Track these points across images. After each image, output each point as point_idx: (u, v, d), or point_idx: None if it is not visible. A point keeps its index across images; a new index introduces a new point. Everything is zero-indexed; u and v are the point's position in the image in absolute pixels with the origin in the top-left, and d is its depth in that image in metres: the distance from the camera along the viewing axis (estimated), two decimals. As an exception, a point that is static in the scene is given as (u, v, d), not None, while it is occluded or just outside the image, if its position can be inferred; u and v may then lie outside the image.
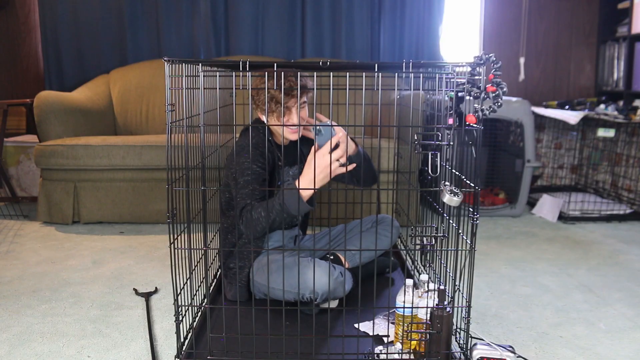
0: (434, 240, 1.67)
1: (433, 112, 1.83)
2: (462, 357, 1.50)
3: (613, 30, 3.95)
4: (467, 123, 1.42)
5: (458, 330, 1.58)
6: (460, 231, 1.53)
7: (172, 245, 1.46)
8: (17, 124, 3.99)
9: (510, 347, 1.47)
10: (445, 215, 1.69)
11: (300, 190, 1.64)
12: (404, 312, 1.51)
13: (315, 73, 1.49)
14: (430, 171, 1.49)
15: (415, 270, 2.16)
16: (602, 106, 3.51)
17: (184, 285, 1.56)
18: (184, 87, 1.43)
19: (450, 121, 1.46)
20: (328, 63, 1.37)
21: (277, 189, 1.76)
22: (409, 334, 1.47)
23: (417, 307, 1.50)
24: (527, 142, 3.31)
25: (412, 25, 3.83)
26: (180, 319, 1.51)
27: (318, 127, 1.66)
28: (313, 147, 1.65)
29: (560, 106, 3.73)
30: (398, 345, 1.54)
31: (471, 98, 1.39)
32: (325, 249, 2.03)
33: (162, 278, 2.29)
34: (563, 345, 1.73)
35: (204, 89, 1.41)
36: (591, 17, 4.06)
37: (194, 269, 1.56)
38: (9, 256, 2.59)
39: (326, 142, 1.63)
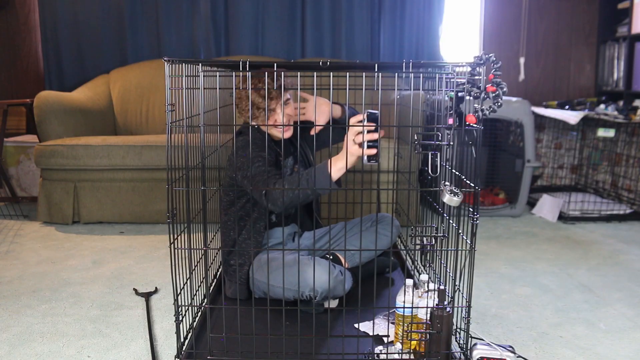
0: (434, 240, 1.67)
1: (433, 112, 1.83)
2: (462, 357, 1.50)
3: (613, 30, 3.95)
4: (467, 123, 1.42)
5: (458, 330, 1.58)
6: (460, 231, 1.53)
7: (172, 245, 1.46)
8: (17, 124, 3.99)
9: (510, 347, 1.47)
10: (445, 215, 1.69)
11: (330, 170, 1.58)
12: (404, 312, 1.51)
13: (315, 73, 1.49)
14: (430, 171, 1.49)
15: (415, 270, 2.16)
16: (602, 106, 3.51)
17: (184, 285, 1.56)
18: (184, 87, 1.43)
19: (450, 121, 1.46)
20: (328, 63, 1.37)
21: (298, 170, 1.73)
22: (409, 334, 1.47)
23: (417, 307, 1.50)
24: (527, 142, 3.31)
25: (412, 25, 3.83)
26: (180, 319, 1.52)
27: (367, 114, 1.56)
28: (346, 136, 1.58)
29: (560, 106, 3.72)
30: (398, 345, 1.54)
31: (471, 98, 1.39)
32: (325, 248, 2.03)
33: (162, 278, 2.29)
34: (563, 345, 1.73)
35: (204, 89, 1.41)
36: (591, 17, 4.06)
37: (194, 269, 1.56)
38: (9, 256, 2.59)
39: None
